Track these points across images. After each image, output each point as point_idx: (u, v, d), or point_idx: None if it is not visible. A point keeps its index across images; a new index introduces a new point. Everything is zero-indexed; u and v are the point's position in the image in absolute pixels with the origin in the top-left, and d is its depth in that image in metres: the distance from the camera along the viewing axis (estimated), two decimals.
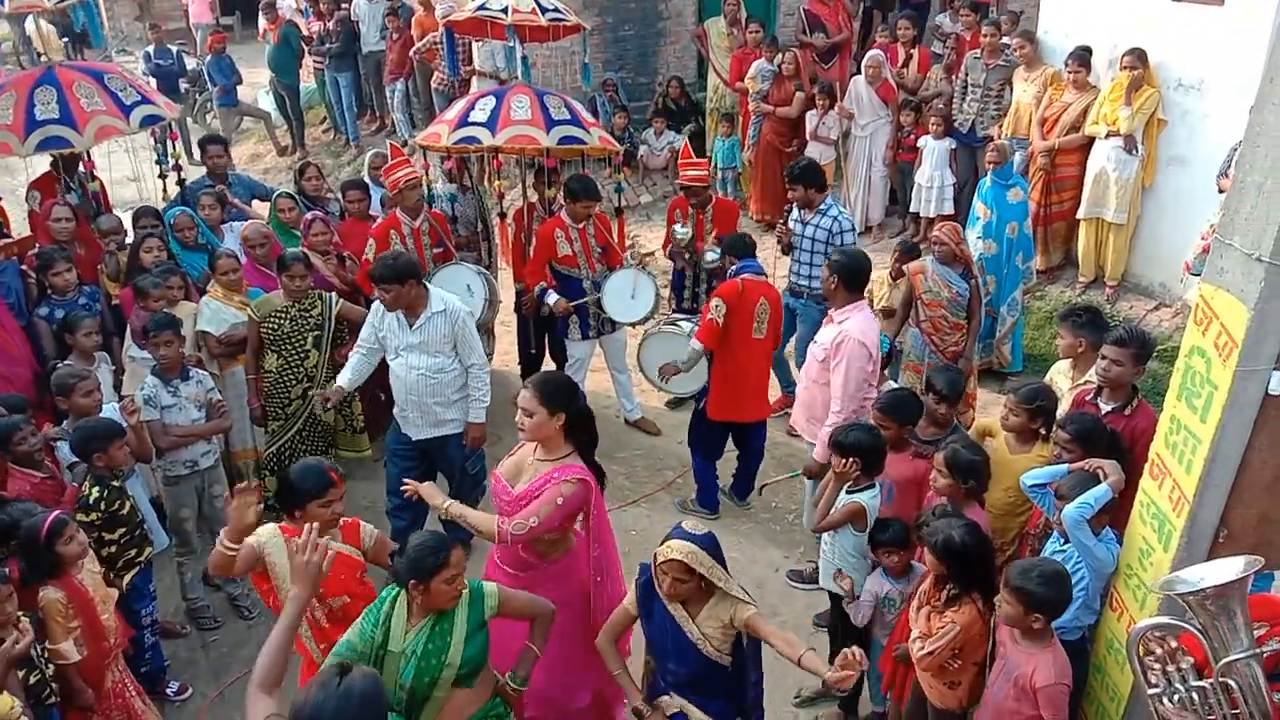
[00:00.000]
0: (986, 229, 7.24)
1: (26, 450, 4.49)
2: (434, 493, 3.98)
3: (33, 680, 3.77)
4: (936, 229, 6.34)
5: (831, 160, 9.42)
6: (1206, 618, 2.86)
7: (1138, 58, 7.36)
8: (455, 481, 5.63)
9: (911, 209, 9.21)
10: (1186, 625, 2.98)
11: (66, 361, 5.36)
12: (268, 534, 3.73)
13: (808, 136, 9.48)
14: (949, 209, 8.74)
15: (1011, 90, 8.45)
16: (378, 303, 5.27)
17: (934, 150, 8.75)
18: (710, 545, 3.48)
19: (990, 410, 6.67)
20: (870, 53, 9.44)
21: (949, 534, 3.67)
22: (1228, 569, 2.82)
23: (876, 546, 4.24)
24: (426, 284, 5.24)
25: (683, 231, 7.01)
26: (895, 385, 5.37)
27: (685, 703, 3.65)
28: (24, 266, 6.20)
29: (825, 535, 4.53)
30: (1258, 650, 2.78)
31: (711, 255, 6.75)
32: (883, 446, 4.40)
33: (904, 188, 9.46)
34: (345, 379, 5.40)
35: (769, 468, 6.36)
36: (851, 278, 5.11)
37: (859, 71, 9.47)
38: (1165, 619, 3.17)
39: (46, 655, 3.88)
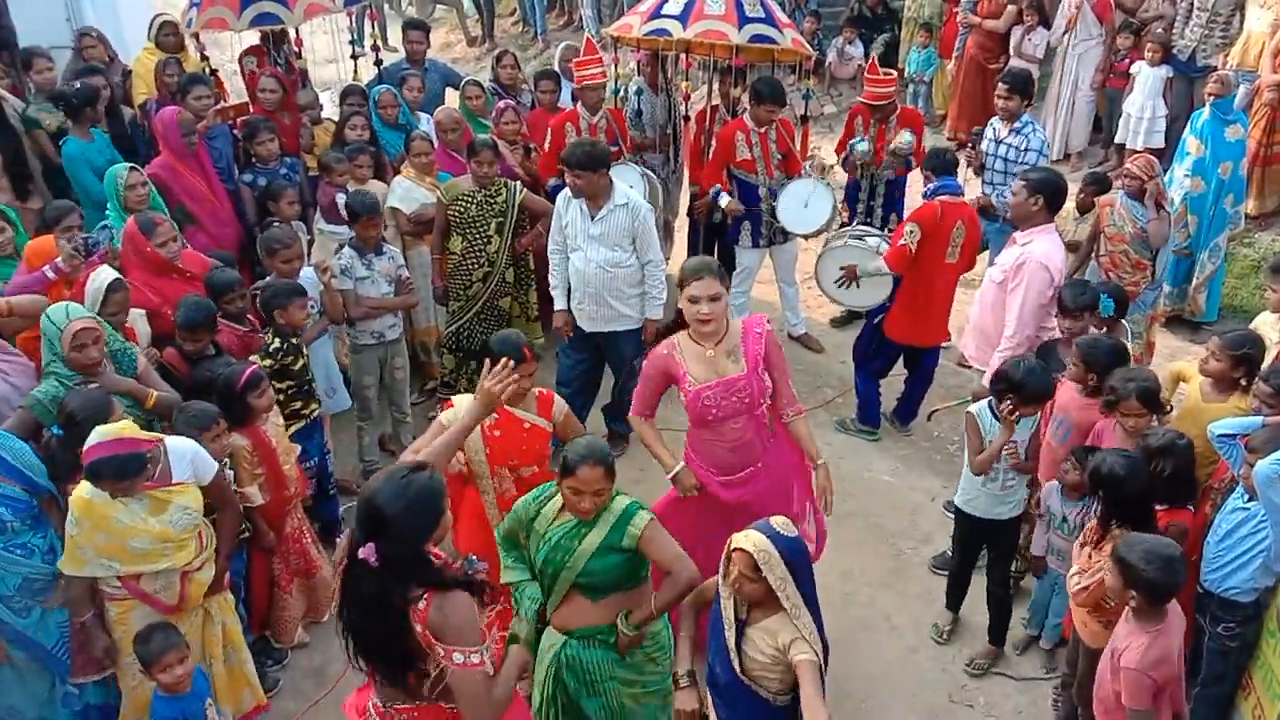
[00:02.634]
0: (1196, 166, 6.77)
1: (237, 309, 4.84)
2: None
3: None
4: (1129, 160, 5.99)
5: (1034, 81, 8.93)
6: None
7: None
8: (622, 377, 5.75)
9: (1116, 139, 8.66)
10: None
11: (276, 222, 5.64)
12: (461, 403, 3.87)
13: (1012, 53, 9.00)
14: (1158, 143, 8.18)
15: (1243, 17, 7.77)
16: (561, 199, 5.36)
17: (1148, 78, 8.17)
18: (794, 552, 3.02)
19: (1179, 359, 6.34)
20: None
21: (1106, 462, 3.59)
22: None
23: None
24: (613, 178, 5.30)
25: (863, 148, 6.80)
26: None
27: (710, 712, 3.31)
28: (235, 133, 6.57)
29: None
30: None
31: (905, 140, 6.54)
32: (1048, 387, 4.24)
33: (1110, 116, 8.90)
34: (560, 298, 5.56)
35: (935, 396, 6.24)
36: (1056, 198, 4.91)
37: None
38: None
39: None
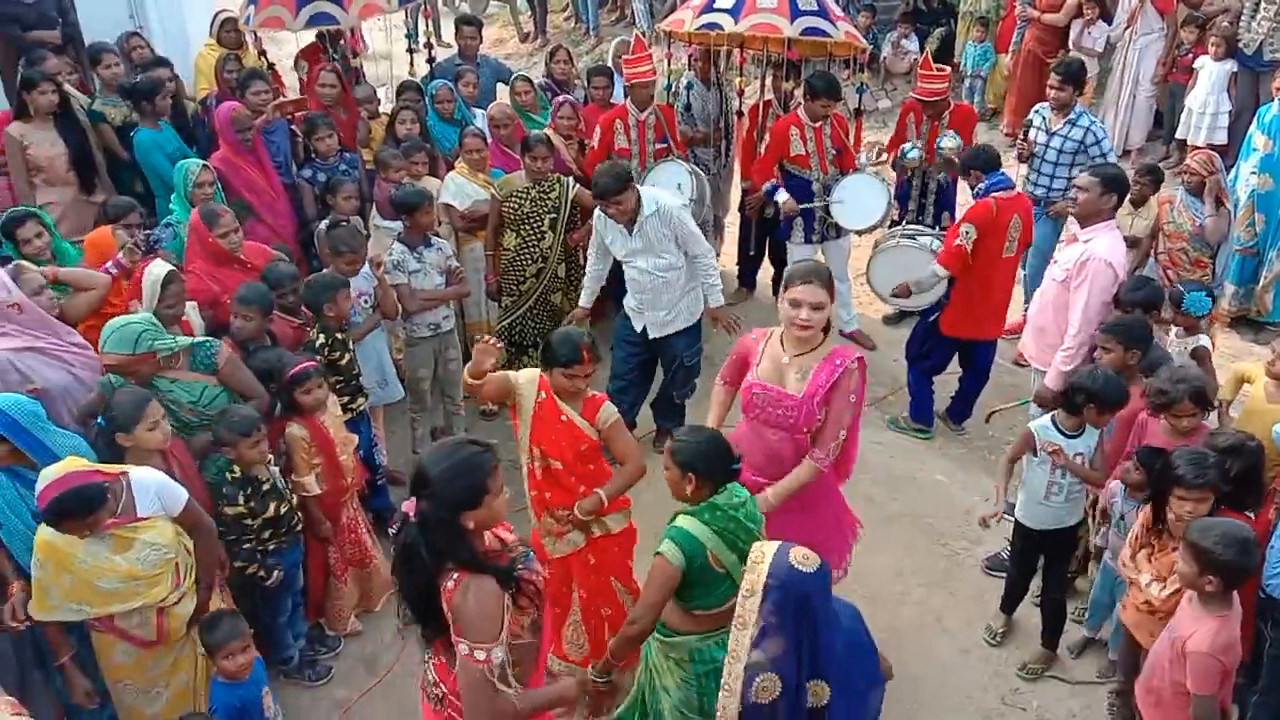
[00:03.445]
0: (1264, 163, 6.62)
1: (291, 302, 4.88)
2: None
3: (282, 511, 4.18)
4: (1189, 156, 5.87)
5: (1093, 75, 8.77)
6: None
7: None
8: (671, 373, 5.75)
9: (1178, 135, 8.48)
10: None
11: (344, 221, 5.62)
12: (525, 377, 3.93)
13: (1071, 47, 8.86)
14: (1221, 139, 8.00)
15: None
16: (598, 219, 5.34)
17: (1212, 73, 8.00)
18: (785, 576, 2.75)
19: (1243, 359, 6.20)
20: None
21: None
22: None
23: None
24: (637, 187, 5.23)
25: (913, 155, 6.75)
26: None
27: None
28: (293, 128, 6.65)
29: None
30: None
31: (950, 143, 6.45)
32: (1126, 394, 4.15)
33: (1171, 111, 8.72)
34: (585, 297, 5.60)
35: (990, 395, 6.15)
36: (1125, 194, 4.87)
37: None
38: None
39: (291, 487, 4.30)
